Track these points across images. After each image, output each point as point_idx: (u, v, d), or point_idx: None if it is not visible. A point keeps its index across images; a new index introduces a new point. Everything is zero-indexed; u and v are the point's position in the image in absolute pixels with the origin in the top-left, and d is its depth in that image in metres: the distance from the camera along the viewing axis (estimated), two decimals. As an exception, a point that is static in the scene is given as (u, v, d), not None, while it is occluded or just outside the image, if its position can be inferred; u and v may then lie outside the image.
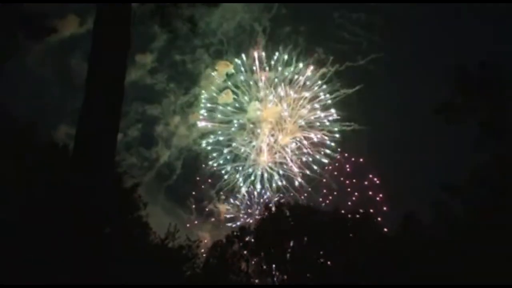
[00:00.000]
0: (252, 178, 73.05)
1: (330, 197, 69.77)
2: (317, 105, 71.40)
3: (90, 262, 10.83)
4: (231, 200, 73.35)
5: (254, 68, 71.94)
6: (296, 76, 71.45)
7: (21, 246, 16.71)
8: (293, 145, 72.29)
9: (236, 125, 74.01)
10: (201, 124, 73.87)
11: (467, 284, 23.45)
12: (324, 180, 70.40)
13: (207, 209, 73.30)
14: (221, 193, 73.66)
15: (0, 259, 16.04)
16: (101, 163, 11.58)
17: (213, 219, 72.95)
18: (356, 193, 68.12)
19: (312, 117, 71.68)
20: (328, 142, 70.62)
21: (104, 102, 11.66)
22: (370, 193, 67.03)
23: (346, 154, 70.33)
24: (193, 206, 72.96)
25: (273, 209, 47.23)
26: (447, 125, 26.27)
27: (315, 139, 71.07)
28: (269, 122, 73.07)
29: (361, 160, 69.65)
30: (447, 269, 25.96)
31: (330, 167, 70.59)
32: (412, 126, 68.31)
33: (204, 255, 40.25)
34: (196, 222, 71.84)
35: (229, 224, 70.71)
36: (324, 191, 70.35)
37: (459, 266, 25.16)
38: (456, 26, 65.03)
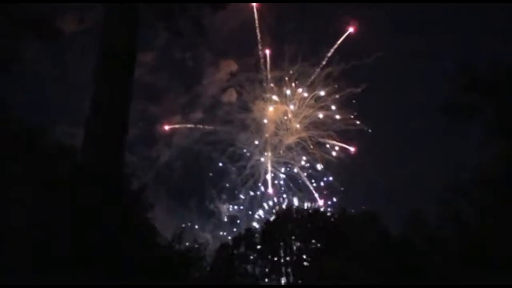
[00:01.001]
0: (255, 177, 72.48)
1: (337, 197, 69.36)
2: (322, 104, 71.08)
3: (97, 263, 10.95)
4: (233, 201, 72.73)
5: (259, 66, 71.33)
6: (301, 75, 71.04)
7: (29, 247, 16.85)
8: (299, 145, 71.84)
9: (239, 124, 73.41)
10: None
11: (474, 284, 23.47)
12: (331, 179, 70.06)
13: (208, 209, 72.46)
14: (223, 193, 72.96)
15: (7, 261, 16.18)
16: (110, 165, 11.68)
17: (214, 220, 72.21)
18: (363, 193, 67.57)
19: (317, 117, 71.21)
20: (333, 141, 70.35)
21: (113, 104, 11.77)
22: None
23: (351, 152, 69.91)
24: (194, 206, 72.06)
25: (280, 210, 47.27)
26: (453, 124, 26.28)
27: (320, 139, 70.74)
28: (273, 121, 72.63)
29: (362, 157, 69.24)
30: (453, 269, 25.94)
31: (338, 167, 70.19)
32: (418, 125, 68.18)
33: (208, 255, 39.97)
34: (197, 222, 70.94)
35: (231, 225, 70.17)
36: (331, 191, 70.01)
37: (466, 266, 25.13)
38: (462, 25, 65.01)
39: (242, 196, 72.21)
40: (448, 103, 26.09)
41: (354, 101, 69.08)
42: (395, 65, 67.31)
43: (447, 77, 26.20)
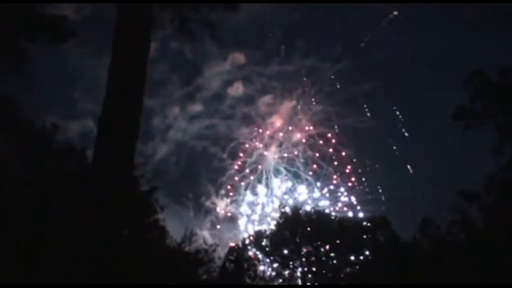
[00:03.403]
0: (257, 174, 70.10)
1: (346, 199, 68.44)
2: (332, 102, 69.68)
3: (106, 264, 10.92)
4: (232, 198, 70.14)
5: (268, 60, 69.39)
6: (313, 70, 69.53)
7: (40, 247, 16.95)
8: (305, 141, 70.05)
9: (242, 118, 71.01)
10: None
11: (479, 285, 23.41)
12: (336, 182, 69.19)
13: (205, 206, 69.85)
14: (221, 189, 70.58)
15: (18, 260, 16.30)
16: (121, 167, 11.63)
17: (211, 217, 69.74)
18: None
19: (328, 114, 69.57)
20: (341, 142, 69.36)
21: (126, 103, 11.73)
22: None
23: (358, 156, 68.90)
24: (191, 203, 69.28)
25: (286, 212, 46.92)
26: (466, 131, 26.03)
27: (328, 136, 69.19)
28: (280, 116, 70.85)
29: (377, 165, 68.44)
30: (464, 274, 25.80)
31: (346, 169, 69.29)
32: (430, 131, 67.81)
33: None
34: (194, 220, 68.38)
35: (229, 223, 68.09)
36: (339, 192, 69.11)
37: (476, 271, 24.98)
38: (475, 32, 64.71)
39: (242, 193, 69.49)
40: (462, 109, 25.87)
41: (365, 101, 67.58)
42: (410, 70, 67.00)
43: (462, 84, 25.92)
